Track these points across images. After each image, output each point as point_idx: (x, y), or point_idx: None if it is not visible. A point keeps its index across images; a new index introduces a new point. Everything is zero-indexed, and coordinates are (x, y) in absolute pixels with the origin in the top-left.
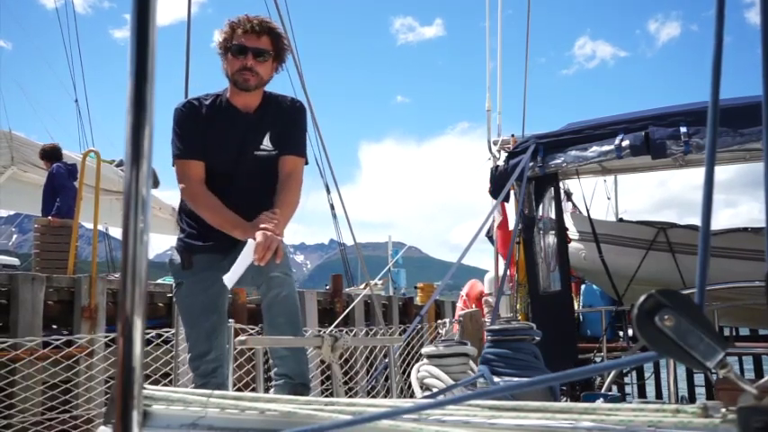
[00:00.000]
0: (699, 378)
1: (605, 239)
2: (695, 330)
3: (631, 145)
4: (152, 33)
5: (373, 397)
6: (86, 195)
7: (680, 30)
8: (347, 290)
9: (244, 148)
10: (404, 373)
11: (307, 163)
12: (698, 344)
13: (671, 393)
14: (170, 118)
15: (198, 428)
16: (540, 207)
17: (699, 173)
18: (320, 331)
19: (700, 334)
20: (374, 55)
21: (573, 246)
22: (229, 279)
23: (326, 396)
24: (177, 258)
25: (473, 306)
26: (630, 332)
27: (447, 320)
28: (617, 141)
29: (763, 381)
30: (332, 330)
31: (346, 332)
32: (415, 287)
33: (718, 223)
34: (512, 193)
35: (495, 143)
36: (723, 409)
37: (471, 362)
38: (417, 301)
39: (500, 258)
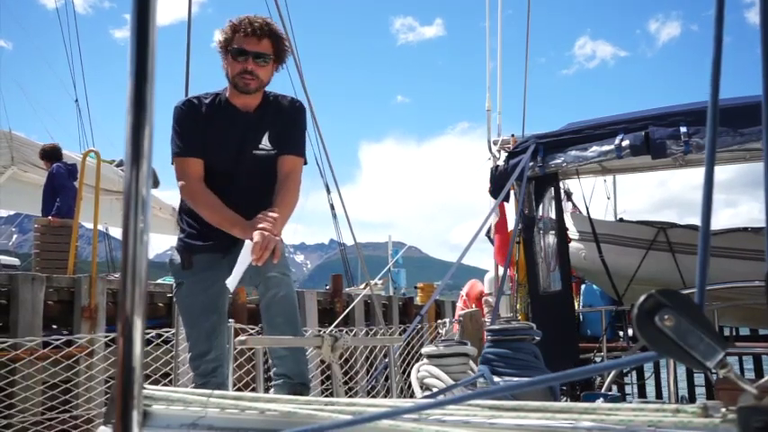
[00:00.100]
0: (699, 378)
1: (605, 239)
2: (695, 330)
3: (631, 145)
4: (152, 33)
5: (373, 397)
6: (86, 195)
7: (680, 30)
8: (347, 290)
9: (243, 147)
10: (404, 373)
11: (306, 163)
12: (698, 344)
13: (671, 393)
14: (170, 118)
15: (198, 428)
16: (540, 207)
17: (699, 173)
18: (320, 331)
19: (700, 334)
20: (374, 55)
21: (573, 246)
22: (231, 282)
23: (326, 396)
24: (177, 258)
25: (473, 306)
26: (630, 332)
27: (447, 320)
28: (617, 141)
29: (763, 381)
30: (332, 330)
31: (346, 332)
32: (415, 287)
33: (718, 223)
34: (512, 192)
35: (495, 143)
36: (723, 409)
37: (471, 362)
38: (417, 300)
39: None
